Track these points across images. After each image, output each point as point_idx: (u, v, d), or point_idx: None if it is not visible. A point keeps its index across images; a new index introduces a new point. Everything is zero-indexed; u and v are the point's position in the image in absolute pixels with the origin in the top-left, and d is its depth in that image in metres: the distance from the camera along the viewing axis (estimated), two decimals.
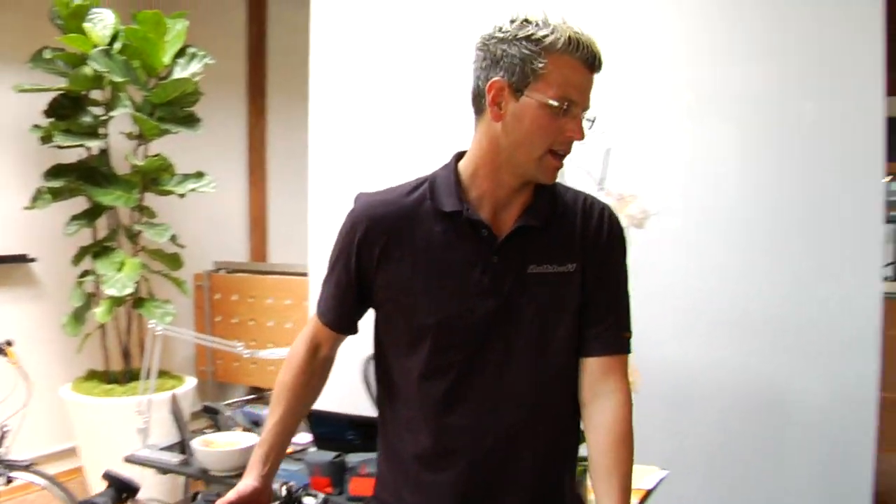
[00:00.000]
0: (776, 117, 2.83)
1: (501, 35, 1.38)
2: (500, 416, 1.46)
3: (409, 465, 1.51)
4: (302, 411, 1.61)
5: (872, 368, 2.78)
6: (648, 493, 2.32)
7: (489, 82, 1.38)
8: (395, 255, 1.46)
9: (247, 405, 3.07)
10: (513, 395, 1.46)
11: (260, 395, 4.77)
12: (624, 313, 1.53)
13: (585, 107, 1.40)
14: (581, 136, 1.39)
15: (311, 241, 3.50)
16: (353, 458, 2.33)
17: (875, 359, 2.78)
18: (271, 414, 1.56)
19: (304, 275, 3.66)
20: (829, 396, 2.81)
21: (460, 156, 1.51)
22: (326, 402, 1.77)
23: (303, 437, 2.69)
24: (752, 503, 2.85)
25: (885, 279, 8.68)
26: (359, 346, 1.72)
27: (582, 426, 1.52)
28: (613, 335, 1.51)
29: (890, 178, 13.33)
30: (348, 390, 2.67)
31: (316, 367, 1.60)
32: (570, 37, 1.35)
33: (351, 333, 1.60)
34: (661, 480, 2.40)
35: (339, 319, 1.58)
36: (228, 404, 3.12)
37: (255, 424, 2.81)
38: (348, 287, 1.52)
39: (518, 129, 1.38)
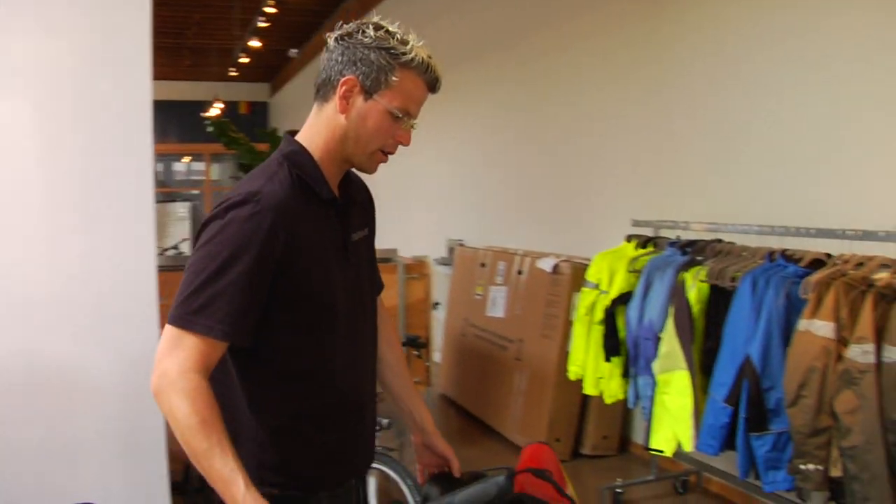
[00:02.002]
0: (59, 94, 2.83)
1: (365, 40, 1.51)
2: (370, 365, 1.75)
3: (322, 427, 1.61)
4: None
5: (154, 338, 3.01)
6: None
7: (343, 77, 1.52)
8: (305, 245, 1.52)
9: None
10: (372, 345, 1.75)
11: None
12: None
13: (416, 118, 1.59)
14: (408, 143, 1.60)
15: None
16: None
17: (155, 328, 3.01)
18: (219, 448, 1.35)
19: None
20: (119, 373, 2.93)
21: (293, 133, 1.63)
22: None
23: None
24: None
25: (176, 252, 9.26)
26: None
27: None
28: (379, 277, 1.87)
29: (190, 158, 14.33)
30: None
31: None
32: (423, 59, 1.53)
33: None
34: None
35: (245, 330, 1.46)
36: None
37: None
38: (261, 291, 1.47)
39: (360, 126, 1.54)
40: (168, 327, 1.44)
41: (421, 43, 1.56)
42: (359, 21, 1.56)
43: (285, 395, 1.58)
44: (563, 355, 4.52)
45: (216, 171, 13.98)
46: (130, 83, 2.91)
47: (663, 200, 4.50)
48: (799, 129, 3.66)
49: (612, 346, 3.89)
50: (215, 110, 13.53)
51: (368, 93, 1.53)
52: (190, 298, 1.42)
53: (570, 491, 1.69)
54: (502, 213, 6.63)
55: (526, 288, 5.30)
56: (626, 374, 3.84)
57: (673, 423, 3.39)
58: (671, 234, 4.03)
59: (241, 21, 10.09)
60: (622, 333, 3.84)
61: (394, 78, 1.52)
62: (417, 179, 8.45)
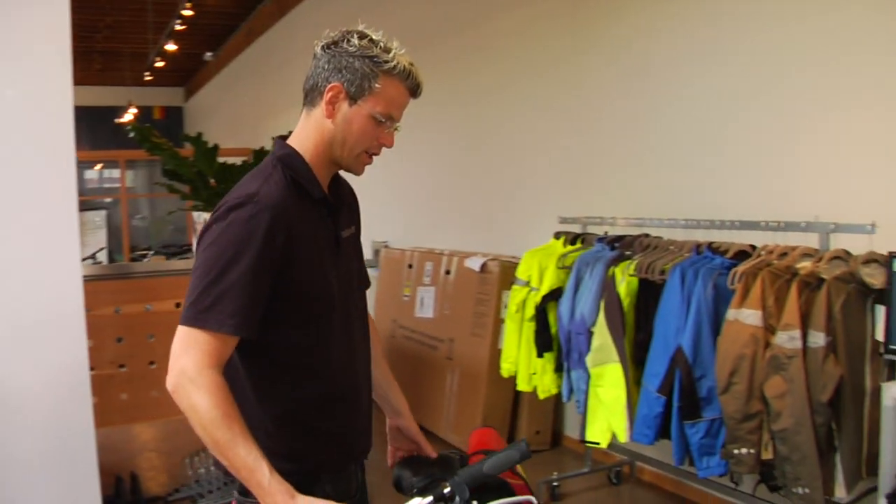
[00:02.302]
0: None
1: (350, 48, 1.58)
2: (363, 356, 1.78)
3: (323, 415, 1.67)
4: None
5: (81, 349, 2.90)
6: None
7: (329, 84, 1.60)
8: (302, 243, 1.58)
9: None
10: (364, 337, 1.79)
11: None
12: None
13: (399, 122, 1.67)
14: (391, 145, 1.67)
15: None
16: None
17: (83, 339, 2.90)
18: (242, 438, 1.43)
19: None
20: (45, 384, 2.82)
21: (284, 138, 1.69)
22: None
23: None
24: None
25: (94, 262, 8.96)
26: None
27: None
28: (366, 273, 1.90)
29: (102, 165, 13.91)
30: None
31: None
32: (404, 67, 1.61)
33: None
34: None
35: (253, 324, 1.52)
36: None
37: None
38: (264, 286, 1.53)
39: (346, 130, 1.62)
40: (181, 328, 1.49)
41: (403, 51, 1.63)
42: (344, 30, 1.63)
43: (288, 386, 1.65)
44: (494, 353, 4.54)
45: (131, 178, 13.56)
46: (51, 89, 2.81)
47: (590, 197, 4.56)
48: (720, 124, 3.76)
49: (544, 341, 3.92)
50: (129, 115, 13.15)
51: (353, 99, 1.61)
52: (200, 298, 1.49)
53: (519, 470, 1.77)
54: (428, 213, 6.62)
55: (454, 287, 5.30)
56: (558, 369, 3.87)
57: (608, 415, 3.43)
58: (599, 230, 4.09)
59: (155, 24, 9.84)
60: (554, 329, 3.87)
61: (377, 85, 1.60)
62: None
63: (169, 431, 4.59)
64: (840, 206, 3.05)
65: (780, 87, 3.45)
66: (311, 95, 1.65)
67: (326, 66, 1.61)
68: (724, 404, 2.82)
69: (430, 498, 1.51)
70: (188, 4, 8.38)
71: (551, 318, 3.89)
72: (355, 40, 1.60)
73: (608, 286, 3.46)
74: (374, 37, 1.62)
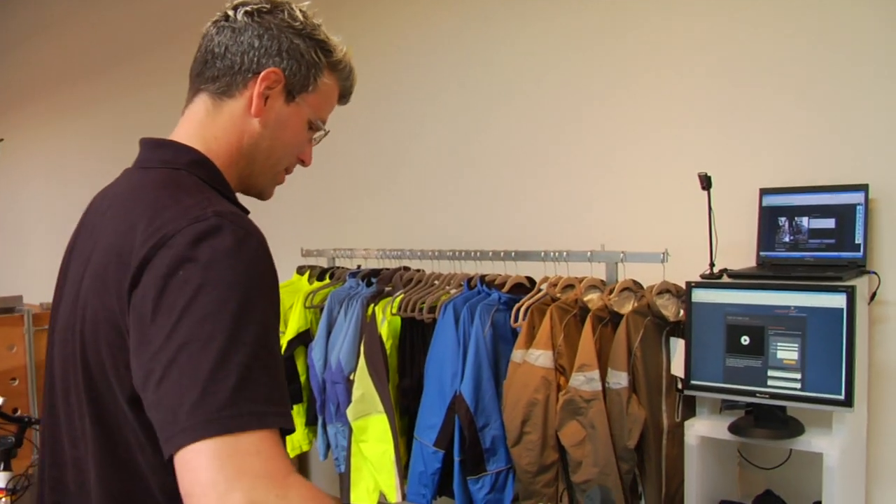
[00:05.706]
0: None
1: (296, 25, 1.09)
2: None
3: None
4: None
5: None
6: None
7: (266, 69, 1.07)
8: None
9: None
10: None
11: None
12: None
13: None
14: (310, 162, 1.20)
15: None
16: None
17: None
18: None
19: None
20: None
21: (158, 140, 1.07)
22: None
23: None
24: None
25: None
26: None
27: None
28: None
29: None
30: None
31: None
32: (349, 63, 1.18)
33: None
34: None
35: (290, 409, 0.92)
36: None
37: None
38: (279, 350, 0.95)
39: (276, 137, 1.11)
40: (199, 447, 0.79)
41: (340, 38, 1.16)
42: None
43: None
44: None
45: None
46: None
47: (337, 227, 3.98)
48: (486, 147, 3.37)
49: (292, 392, 3.28)
50: None
51: (291, 93, 1.11)
52: (212, 386, 0.81)
53: None
54: None
55: None
56: (310, 423, 3.26)
57: (374, 473, 2.88)
58: (350, 264, 3.54)
59: None
60: (303, 378, 3.26)
61: (323, 80, 1.13)
62: (30, 213, 7.05)
63: None
64: (629, 234, 2.75)
65: (558, 111, 3.10)
66: (225, 78, 1.08)
67: (258, 43, 1.07)
68: (516, 457, 2.39)
69: None
70: None
71: (300, 366, 3.27)
72: (298, 14, 1.10)
73: (368, 327, 2.91)
74: (317, 21, 1.13)
